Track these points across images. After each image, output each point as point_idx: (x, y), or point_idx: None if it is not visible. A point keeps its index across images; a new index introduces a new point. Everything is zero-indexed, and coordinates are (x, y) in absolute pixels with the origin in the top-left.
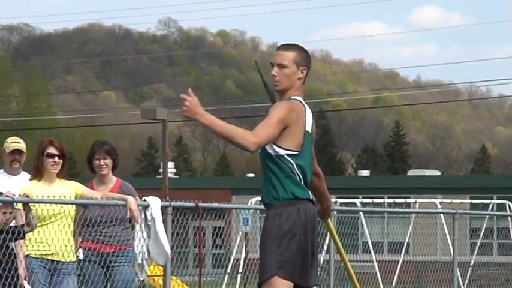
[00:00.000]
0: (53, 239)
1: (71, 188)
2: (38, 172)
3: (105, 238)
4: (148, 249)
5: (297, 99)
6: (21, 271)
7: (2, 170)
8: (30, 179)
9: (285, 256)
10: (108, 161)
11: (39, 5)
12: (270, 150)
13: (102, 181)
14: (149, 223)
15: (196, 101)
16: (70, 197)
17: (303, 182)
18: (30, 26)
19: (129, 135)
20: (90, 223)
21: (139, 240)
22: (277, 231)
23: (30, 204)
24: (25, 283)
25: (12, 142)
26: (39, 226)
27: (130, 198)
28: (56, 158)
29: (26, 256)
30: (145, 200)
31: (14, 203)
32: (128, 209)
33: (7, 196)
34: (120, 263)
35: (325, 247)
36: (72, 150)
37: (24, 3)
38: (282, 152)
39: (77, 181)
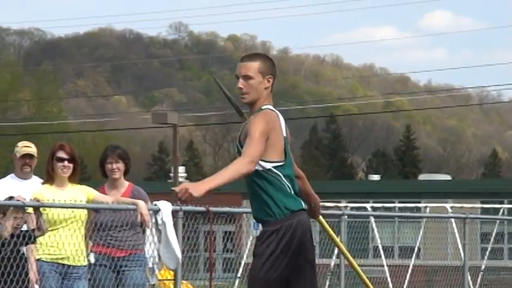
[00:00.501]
0: (64, 243)
1: (82, 193)
2: (49, 176)
3: (116, 242)
4: (159, 254)
5: (268, 108)
6: (32, 275)
7: (13, 174)
8: (42, 183)
9: (279, 275)
10: (121, 165)
11: (50, 9)
12: (256, 167)
13: (114, 185)
14: (160, 227)
15: (185, 184)
16: (81, 201)
17: (293, 192)
18: (41, 31)
19: (140, 140)
20: (101, 227)
21: (150, 244)
22: (273, 249)
23: (41, 208)
24: (36, 287)
25: (23, 146)
26: (50, 230)
27: (141, 202)
28: (66, 162)
29: (37, 260)
30: (155, 205)
31: (25, 207)
32: (139, 214)
33: (18, 200)
34: (131, 267)
35: (336, 251)
36: (83, 154)
37: (36, 8)
38: (268, 165)
39: (88, 185)
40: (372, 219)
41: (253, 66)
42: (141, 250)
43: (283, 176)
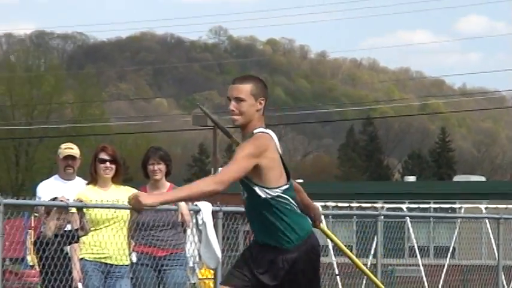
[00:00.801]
0: (107, 242)
1: (125, 193)
2: (93, 177)
3: (157, 242)
4: (199, 253)
5: (260, 131)
6: (75, 274)
7: (57, 176)
8: (87, 184)
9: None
10: (162, 166)
11: (93, 14)
12: (263, 196)
13: (156, 186)
14: (200, 227)
15: (138, 192)
16: (123, 202)
17: (300, 211)
18: (84, 35)
19: (181, 142)
20: (143, 227)
21: (191, 244)
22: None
23: (84, 208)
24: (80, 285)
25: (66, 148)
26: (93, 230)
27: (181, 203)
28: (108, 163)
29: (81, 259)
30: (196, 205)
31: (68, 208)
32: (180, 214)
33: (61, 201)
34: (172, 266)
35: (372, 251)
36: (125, 156)
37: (79, 12)
38: (276, 192)
39: (130, 186)
40: (408, 219)
41: (245, 89)
42: (182, 249)
43: (291, 198)
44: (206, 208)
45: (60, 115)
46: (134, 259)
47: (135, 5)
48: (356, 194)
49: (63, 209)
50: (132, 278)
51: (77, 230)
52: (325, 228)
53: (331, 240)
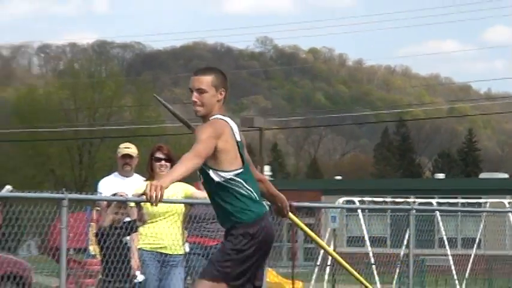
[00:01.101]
0: (163, 233)
1: (181, 189)
2: (149, 174)
3: (208, 233)
4: None
5: (217, 117)
6: (134, 262)
7: (116, 173)
8: (144, 181)
9: (234, 271)
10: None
11: (150, 25)
12: (217, 179)
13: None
14: None
15: (151, 182)
16: (177, 197)
17: (255, 196)
18: (142, 44)
19: None
20: (195, 220)
21: None
22: (237, 252)
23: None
24: (137, 273)
25: (124, 148)
26: (150, 222)
27: None
28: (163, 162)
29: (139, 249)
30: None
31: (127, 202)
32: None
33: (120, 196)
34: None
35: (405, 242)
36: (179, 155)
37: (137, 23)
38: (229, 175)
39: (184, 182)
40: (438, 213)
41: (207, 80)
42: None
43: (245, 182)
44: None
45: (120, 117)
46: (187, 249)
47: (189, 17)
48: (390, 190)
49: (122, 203)
50: (185, 267)
51: (135, 221)
52: (294, 217)
53: (299, 227)
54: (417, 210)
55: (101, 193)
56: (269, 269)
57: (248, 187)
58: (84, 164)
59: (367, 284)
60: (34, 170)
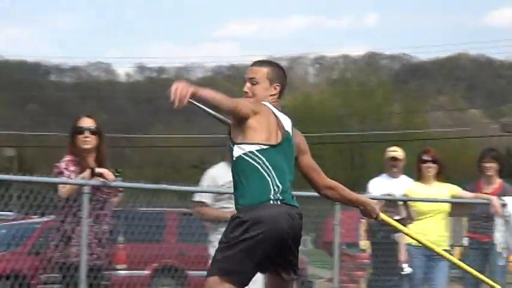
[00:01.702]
0: (429, 230)
1: (447, 190)
2: (418, 175)
3: (482, 229)
4: (506, 240)
5: (263, 102)
6: (402, 256)
7: (385, 174)
8: (414, 181)
9: (233, 264)
10: (494, 165)
11: (417, 38)
12: (236, 154)
13: (489, 182)
14: (507, 218)
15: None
16: (443, 196)
17: (278, 183)
18: (408, 55)
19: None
20: (473, 218)
21: (499, 232)
22: (233, 239)
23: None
24: (405, 266)
25: (391, 151)
26: (418, 220)
27: (493, 197)
28: (429, 163)
29: (407, 244)
30: (503, 200)
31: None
32: (491, 206)
33: (388, 195)
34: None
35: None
36: (444, 157)
37: (405, 37)
38: (250, 147)
39: (457, 184)
40: None
41: (262, 72)
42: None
43: (268, 163)
44: (511, 202)
45: (388, 123)
46: (466, 243)
47: (451, 30)
48: None
49: (391, 203)
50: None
51: (403, 219)
52: (386, 217)
53: (395, 227)
54: None
55: (370, 192)
56: None
57: (270, 169)
58: (355, 165)
59: (493, 284)
60: None
